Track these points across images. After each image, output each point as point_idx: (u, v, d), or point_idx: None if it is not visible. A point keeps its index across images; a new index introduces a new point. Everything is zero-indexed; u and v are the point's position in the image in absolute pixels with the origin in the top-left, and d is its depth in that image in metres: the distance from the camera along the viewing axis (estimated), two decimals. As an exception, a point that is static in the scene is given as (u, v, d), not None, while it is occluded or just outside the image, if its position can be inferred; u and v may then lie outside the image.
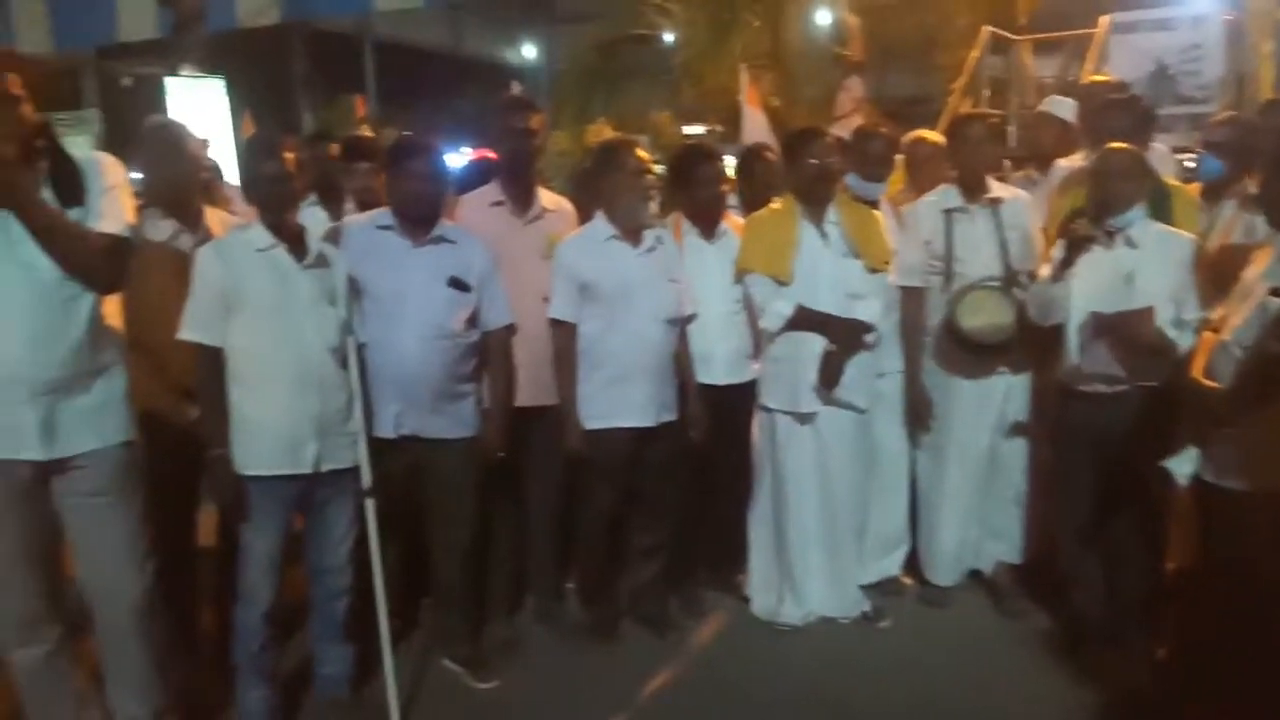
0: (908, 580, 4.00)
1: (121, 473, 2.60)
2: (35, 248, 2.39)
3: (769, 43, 9.72)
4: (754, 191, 3.88)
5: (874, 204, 3.84)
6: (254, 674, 2.91)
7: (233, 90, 10.82)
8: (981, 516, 3.84)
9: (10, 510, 2.47)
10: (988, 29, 8.73)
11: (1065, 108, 4.39)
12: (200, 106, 10.42)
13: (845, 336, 3.53)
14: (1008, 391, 3.72)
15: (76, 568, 2.64)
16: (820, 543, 3.68)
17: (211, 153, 3.87)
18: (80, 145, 3.07)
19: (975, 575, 3.94)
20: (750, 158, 4.09)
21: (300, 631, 3.22)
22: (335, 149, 3.96)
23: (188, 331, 2.77)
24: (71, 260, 2.44)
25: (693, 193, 3.71)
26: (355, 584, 3.03)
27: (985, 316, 3.52)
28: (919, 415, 3.77)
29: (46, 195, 2.44)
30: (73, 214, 2.45)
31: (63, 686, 2.65)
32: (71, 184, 2.47)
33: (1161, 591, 3.31)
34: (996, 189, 3.72)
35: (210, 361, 2.78)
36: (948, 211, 3.68)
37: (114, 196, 2.54)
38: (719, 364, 3.67)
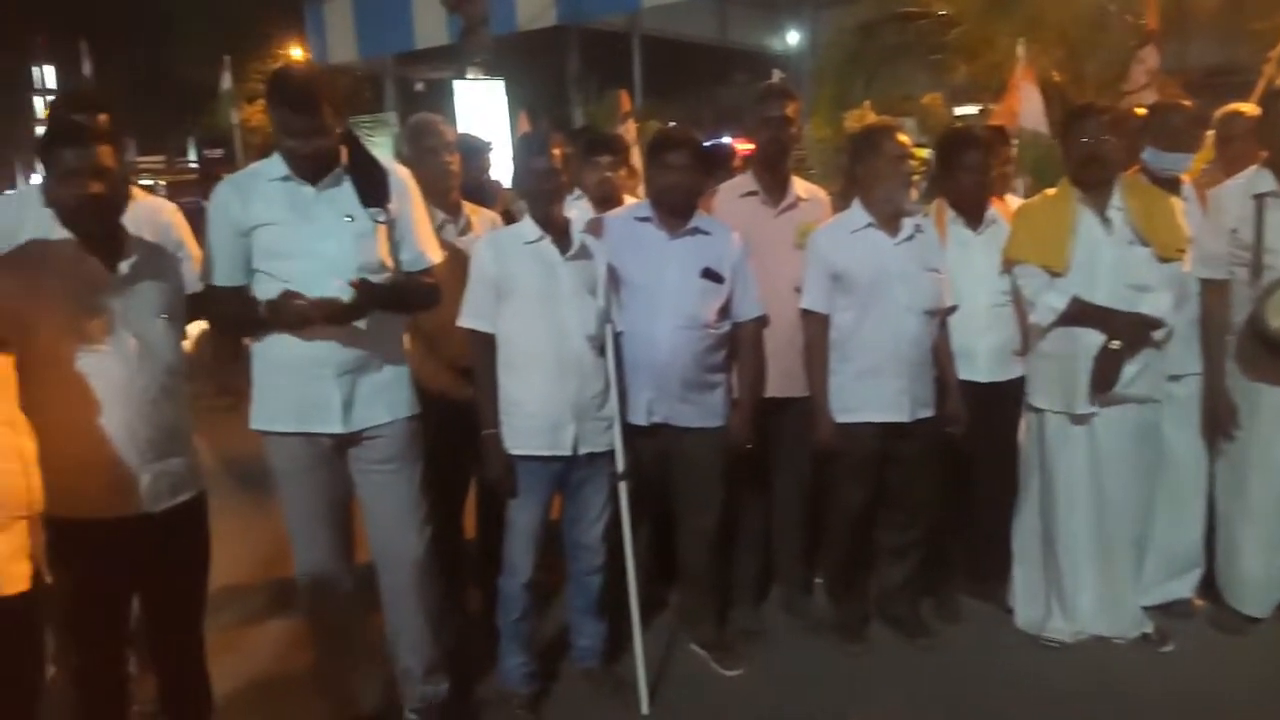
0: (1200, 603, 3.61)
1: (406, 443, 2.85)
2: (333, 244, 2.66)
3: (1052, 13, 9.04)
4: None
5: (1175, 183, 3.48)
6: (514, 640, 3.10)
7: (511, 90, 11.52)
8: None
9: (312, 474, 2.77)
10: (1310, -10, 7.66)
11: None
12: (483, 107, 11.19)
13: (1127, 333, 3.23)
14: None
15: (366, 528, 2.92)
16: (1093, 555, 3.40)
17: (492, 153, 4.13)
18: (381, 146, 3.37)
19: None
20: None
21: (561, 604, 3.39)
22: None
23: (465, 319, 2.98)
24: (419, 308, 2.88)
25: (957, 179, 3.52)
26: (608, 563, 3.14)
27: (1300, 314, 3.10)
28: (1220, 423, 3.39)
29: (349, 193, 2.69)
30: (371, 211, 2.69)
31: (349, 638, 2.95)
32: (374, 185, 2.72)
33: None
34: None
35: (485, 347, 2.97)
36: (1258, 196, 3.27)
37: (426, 223, 2.85)
38: (982, 360, 3.48)
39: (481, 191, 3.86)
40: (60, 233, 2.40)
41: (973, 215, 3.53)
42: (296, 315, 2.56)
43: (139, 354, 2.39)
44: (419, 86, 18.22)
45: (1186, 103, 3.64)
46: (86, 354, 2.32)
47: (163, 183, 18.34)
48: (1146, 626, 3.43)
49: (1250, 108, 3.73)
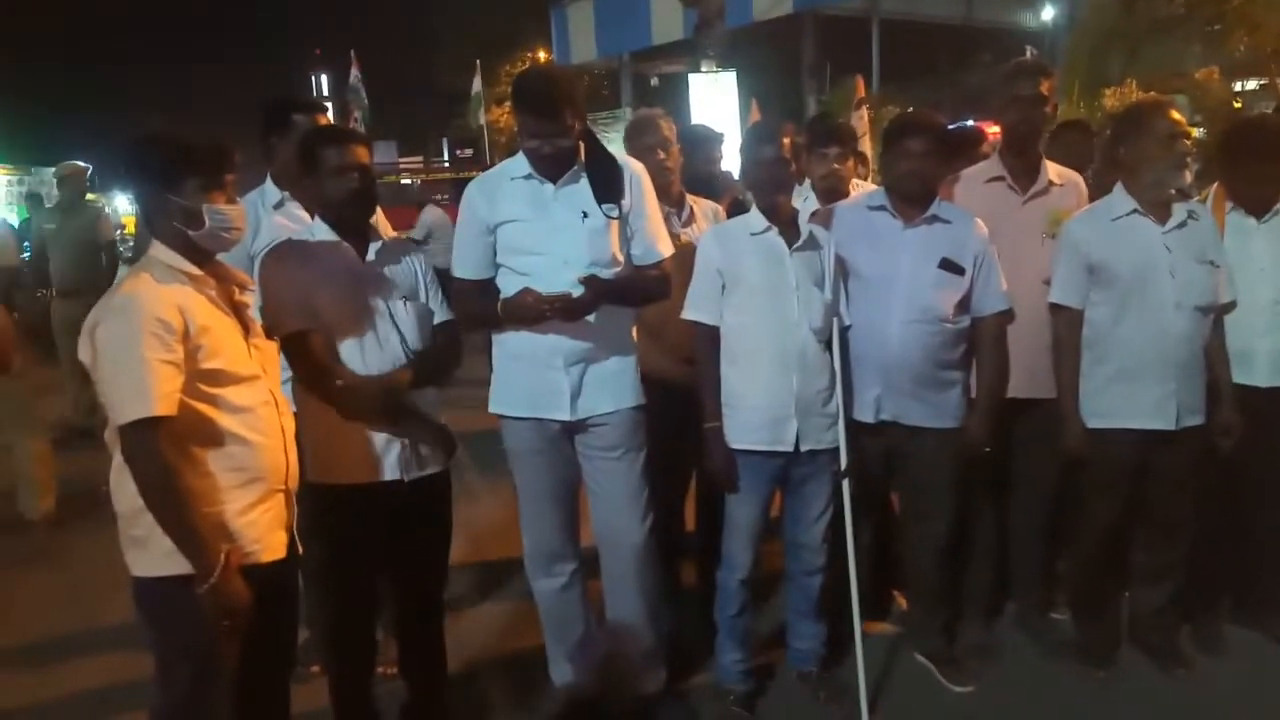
0: None
1: (631, 431, 2.91)
2: (569, 240, 2.75)
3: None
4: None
5: None
6: (731, 636, 3.07)
7: (743, 81, 11.50)
8: None
9: (542, 456, 2.90)
10: None
11: None
12: (717, 99, 11.24)
13: None
14: None
15: (590, 512, 2.99)
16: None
17: (725, 146, 4.10)
18: (616, 142, 3.44)
19: None
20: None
21: (781, 604, 3.33)
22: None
23: (690, 311, 2.98)
24: (648, 302, 2.93)
25: (1244, 167, 3.15)
26: (829, 564, 3.05)
27: None
28: None
29: (585, 190, 2.78)
30: (605, 208, 2.77)
31: (574, 613, 3.04)
32: (609, 181, 2.80)
33: None
34: None
35: (709, 340, 2.96)
36: None
37: (658, 217, 2.91)
38: (1261, 363, 3.10)
39: (711, 182, 3.83)
40: (295, 231, 2.71)
41: (1257, 203, 3.13)
42: (529, 312, 2.71)
43: (386, 333, 2.61)
44: (654, 81, 18.56)
45: None
46: (350, 333, 2.56)
47: (419, 180, 19.74)
48: None
49: None
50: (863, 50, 17.76)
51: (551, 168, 2.74)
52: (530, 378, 2.83)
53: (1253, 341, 3.11)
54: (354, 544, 2.63)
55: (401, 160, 27.46)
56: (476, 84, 14.38)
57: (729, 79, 11.44)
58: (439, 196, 12.11)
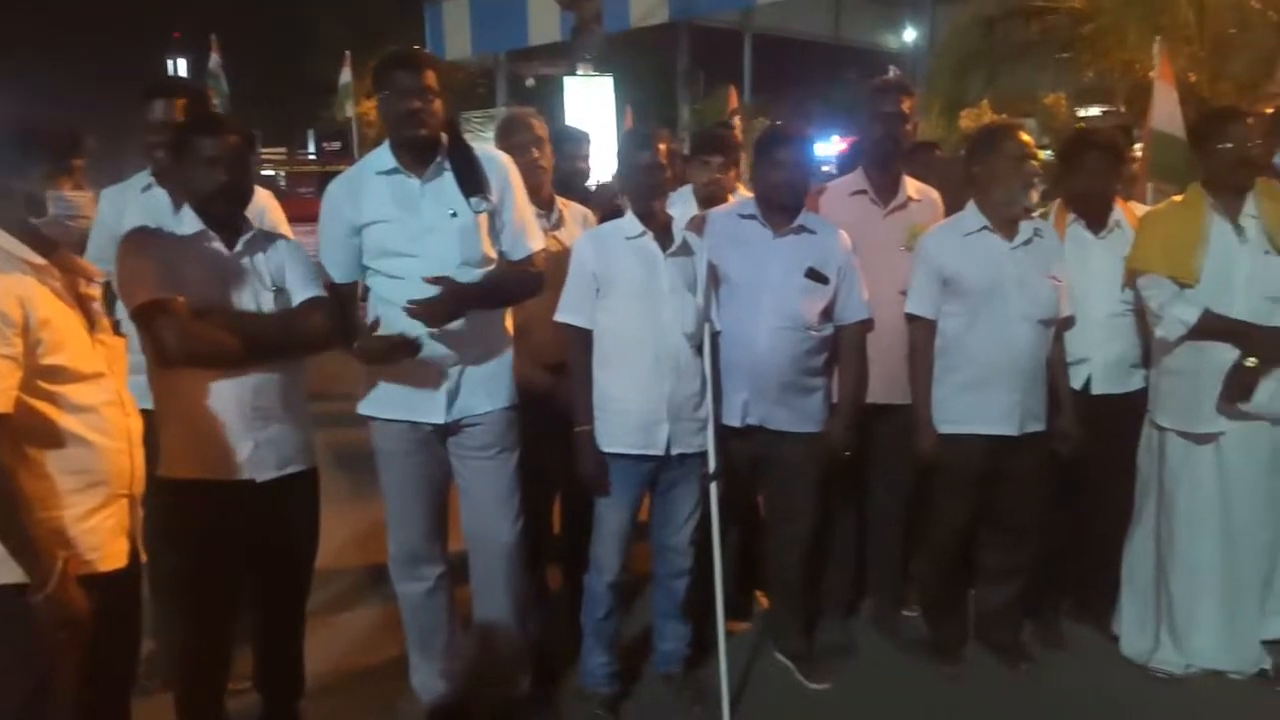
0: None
1: (505, 430, 2.89)
2: (439, 240, 2.70)
3: (1191, 10, 8.56)
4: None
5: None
6: (597, 639, 3.07)
7: (619, 87, 11.56)
8: None
9: (412, 458, 2.84)
10: None
11: None
12: (592, 103, 11.27)
13: (1266, 347, 3.00)
14: None
15: (461, 513, 2.94)
16: (1214, 586, 3.19)
17: (593, 147, 4.10)
18: (491, 141, 3.39)
19: None
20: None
21: (646, 606, 3.35)
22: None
23: (563, 314, 2.96)
24: (519, 299, 2.89)
25: (1079, 181, 3.35)
26: (696, 566, 3.09)
27: None
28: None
29: (451, 185, 2.73)
30: (472, 201, 2.72)
31: (439, 618, 2.98)
32: (473, 173, 2.76)
33: None
34: None
35: (582, 343, 2.95)
36: None
37: (527, 209, 2.87)
38: (1097, 372, 3.30)
39: (573, 180, 3.79)
40: (167, 221, 2.53)
41: (1094, 219, 3.35)
42: (381, 355, 2.66)
43: None
44: (530, 82, 18.46)
45: None
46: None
47: (283, 173, 19.06)
48: (1265, 663, 3.21)
49: None
50: (736, 61, 18.12)
51: (419, 148, 2.68)
52: (404, 380, 2.77)
53: (1088, 351, 3.30)
54: (209, 548, 2.49)
55: (264, 151, 26.45)
56: (346, 74, 13.98)
57: (605, 83, 11.48)
58: (306, 190, 11.73)
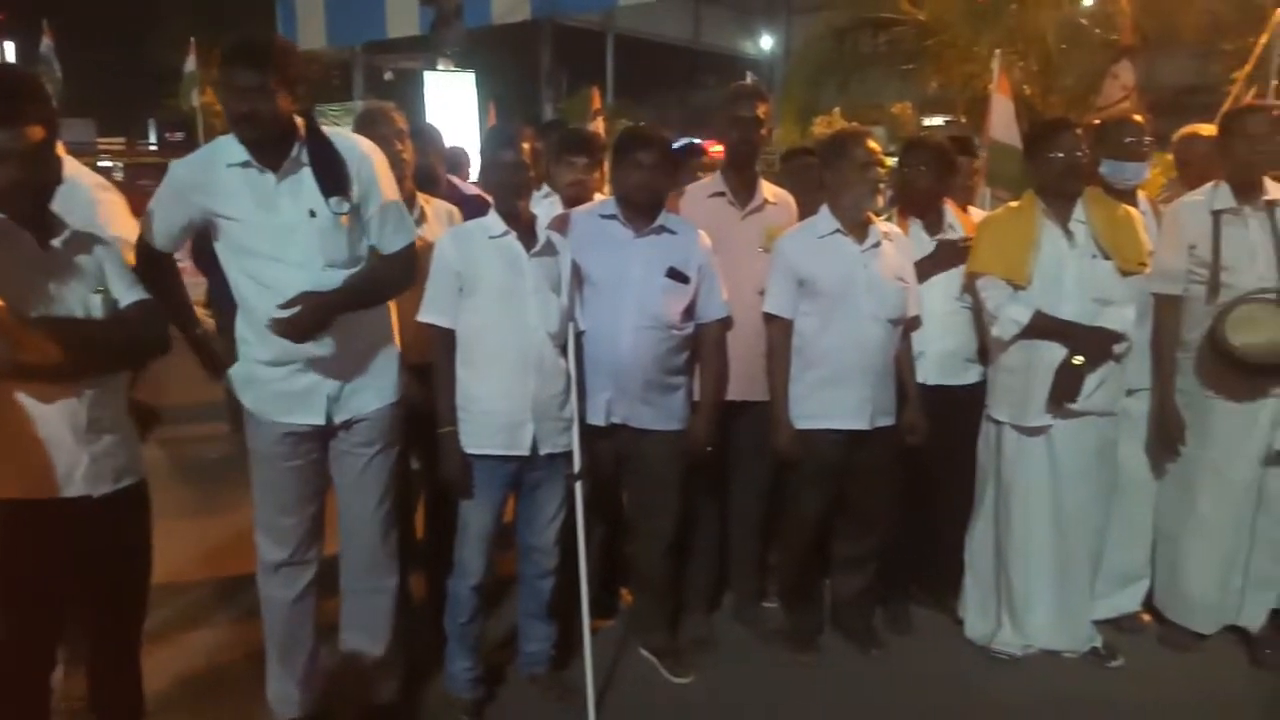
0: (1148, 618, 3.64)
1: (388, 427, 2.82)
2: (300, 242, 2.57)
3: (1028, 27, 9.11)
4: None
5: (1129, 195, 3.50)
6: (461, 643, 3.04)
7: (481, 83, 11.44)
8: (1245, 561, 3.42)
9: (291, 461, 2.73)
10: (1282, 11, 7.79)
11: None
12: (453, 99, 11.10)
13: (1090, 346, 3.23)
14: (1276, 417, 3.29)
15: (339, 510, 2.86)
16: (1048, 570, 3.40)
17: (451, 142, 4.03)
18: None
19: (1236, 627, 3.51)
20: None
21: (509, 608, 3.33)
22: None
23: (425, 314, 2.91)
24: (390, 295, 2.76)
25: (911, 184, 3.54)
26: (561, 566, 3.09)
27: (1261, 333, 3.14)
28: (1169, 438, 3.41)
29: (310, 183, 2.58)
30: (332, 202, 2.58)
31: (303, 628, 2.88)
32: (330, 170, 2.61)
33: None
34: (1274, 190, 3.29)
35: (444, 343, 2.90)
36: (1216, 213, 3.29)
37: (392, 198, 2.70)
38: (932, 364, 3.48)
39: (428, 174, 3.72)
40: None
41: (929, 221, 3.53)
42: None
43: None
44: (388, 76, 18.01)
45: (1137, 117, 3.65)
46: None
47: (121, 165, 18.00)
48: (1096, 641, 3.44)
49: (1208, 129, 3.71)
50: (599, 62, 18.23)
51: (264, 144, 2.51)
52: (284, 383, 2.66)
53: (925, 345, 3.47)
54: (30, 568, 2.29)
55: (100, 141, 24.88)
56: (191, 63, 13.33)
57: (467, 79, 11.34)
58: (146, 182, 11.10)
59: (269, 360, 2.65)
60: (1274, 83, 8.02)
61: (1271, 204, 3.26)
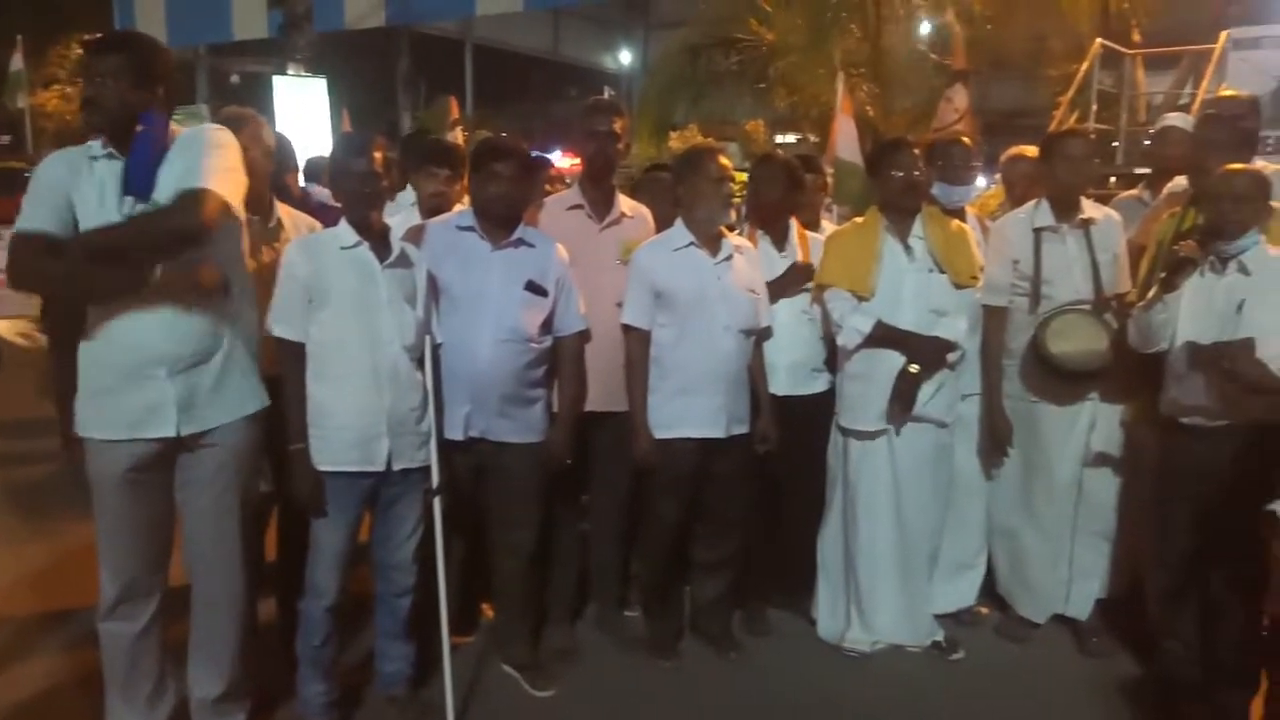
0: (985, 611, 3.85)
1: (245, 439, 2.71)
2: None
3: (868, 50, 9.54)
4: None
5: (959, 212, 3.72)
6: (314, 667, 2.94)
7: (334, 90, 11.15)
8: (1070, 553, 3.66)
9: (136, 484, 2.58)
10: (1100, 42, 8.42)
11: (1186, 124, 4.12)
12: (304, 105, 10.77)
13: (926, 354, 3.41)
14: (1094, 420, 3.56)
15: (186, 532, 2.73)
16: (892, 568, 3.56)
17: (302, 149, 3.91)
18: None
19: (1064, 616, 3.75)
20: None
21: (364, 628, 3.25)
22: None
23: (275, 327, 2.82)
24: (169, 245, 2.46)
25: (760, 199, 3.67)
26: (419, 583, 3.04)
27: (1077, 342, 3.38)
28: (997, 439, 3.63)
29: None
30: (126, 200, 2.49)
31: (149, 662, 2.73)
32: (138, 165, 2.51)
33: (1261, 645, 3.10)
34: (1089, 209, 3.56)
35: (293, 357, 2.82)
36: (1038, 230, 3.53)
37: (208, 158, 2.53)
38: (781, 375, 3.60)
39: (278, 186, 3.62)
40: None
41: (776, 235, 3.67)
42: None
43: None
44: (234, 79, 17.32)
45: (965, 139, 3.89)
46: None
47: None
48: (938, 635, 3.62)
49: (1032, 150, 3.94)
50: (458, 71, 18.03)
51: (113, 136, 2.49)
52: (126, 392, 2.51)
53: (774, 356, 3.59)
54: None
55: (-87, 141, 22.96)
56: (17, 61, 12.51)
57: (319, 85, 11.02)
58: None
59: (114, 363, 2.52)
60: (1094, 108, 8.68)
61: (1087, 222, 3.52)
